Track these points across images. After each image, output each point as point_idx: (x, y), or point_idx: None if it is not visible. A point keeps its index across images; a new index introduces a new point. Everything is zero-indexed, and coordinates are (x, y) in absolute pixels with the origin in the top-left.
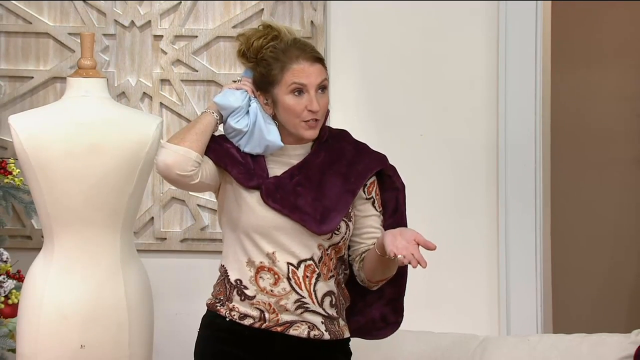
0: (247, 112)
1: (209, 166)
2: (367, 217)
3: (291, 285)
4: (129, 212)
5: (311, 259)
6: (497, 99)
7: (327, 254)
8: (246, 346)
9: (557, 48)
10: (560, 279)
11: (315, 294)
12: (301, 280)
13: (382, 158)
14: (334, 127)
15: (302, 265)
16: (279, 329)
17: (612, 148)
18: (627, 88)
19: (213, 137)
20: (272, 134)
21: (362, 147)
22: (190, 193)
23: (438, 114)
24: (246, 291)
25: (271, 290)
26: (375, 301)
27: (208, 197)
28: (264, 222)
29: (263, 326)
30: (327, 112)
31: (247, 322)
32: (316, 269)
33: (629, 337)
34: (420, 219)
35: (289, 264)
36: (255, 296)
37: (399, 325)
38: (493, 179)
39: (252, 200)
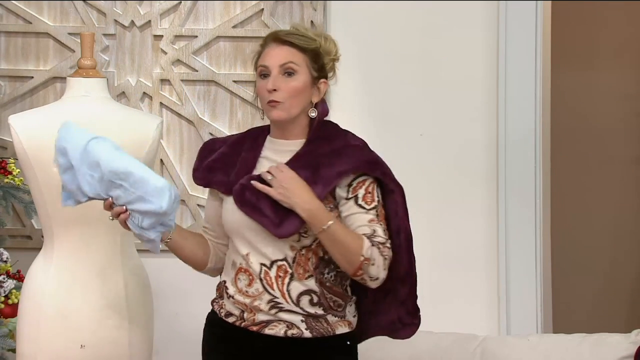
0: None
1: (213, 208)
2: (350, 215)
3: (263, 286)
4: None
5: (284, 259)
6: (497, 98)
7: (302, 254)
8: (234, 343)
9: (557, 48)
10: (560, 279)
11: (288, 293)
12: (273, 280)
13: (355, 163)
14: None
15: (275, 266)
16: (254, 328)
17: (612, 147)
18: (627, 88)
19: (201, 166)
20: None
21: (342, 151)
22: (190, 192)
23: (438, 113)
24: (228, 291)
25: (246, 291)
26: (393, 302)
27: None
28: (236, 224)
29: (242, 325)
30: (320, 107)
31: (231, 319)
32: (289, 270)
33: (629, 337)
34: (420, 219)
35: (262, 264)
36: (234, 296)
37: (416, 327)
38: (493, 178)
39: (230, 202)
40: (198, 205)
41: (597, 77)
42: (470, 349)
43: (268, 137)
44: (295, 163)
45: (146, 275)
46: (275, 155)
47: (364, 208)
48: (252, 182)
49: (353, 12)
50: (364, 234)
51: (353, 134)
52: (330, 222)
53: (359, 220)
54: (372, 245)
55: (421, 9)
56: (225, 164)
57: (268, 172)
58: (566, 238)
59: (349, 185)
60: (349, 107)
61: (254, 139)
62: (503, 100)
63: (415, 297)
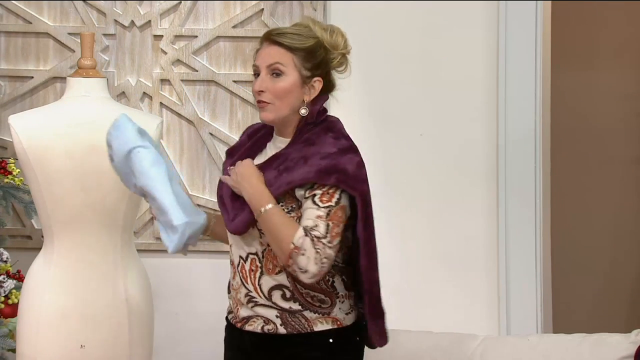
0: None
1: None
2: (304, 211)
3: (240, 279)
4: (129, 212)
5: (255, 253)
6: (497, 98)
7: (270, 249)
8: (234, 341)
9: (557, 48)
10: (560, 279)
11: (260, 287)
12: (247, 274)
13: (306, 174)
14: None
15: (249, 259)
16: (239, 324)
17: (612, 147)
18: (627, 88)
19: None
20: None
21: (308, 159)
22: (191, 192)
23: (438, 113)
24: (229, 286)
25: (232, 284)
26: (366, 306)
27: (208, 197)
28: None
29: (233, 321)
30: (310, 107)
31: (230, 317)
32: (258, 264)
33: (629, 337)
34: (420, 219)
35: (240, 257)
36: (230, 292)
37: (378, 335)
38: (493, 178)
39: None
40: (198, 205)
41: (597, 77)
42: (470, 349)
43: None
44: (270, 163)
45: (146, 275)
46: (272, 151)
47: (317, 205)
48: (221, 177)
49: (353, 12)
50: (304, 226)
51: (336, 138)
52: (269, 206)
53: (308, 214)
54: (306, 235)
55: (421, 9)
56: (236, 152)
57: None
58: (566, 238)
59: (311, 187)
60: (349, 107)
61: (266, 131)
62: (503, 100)
63: (376, 303)
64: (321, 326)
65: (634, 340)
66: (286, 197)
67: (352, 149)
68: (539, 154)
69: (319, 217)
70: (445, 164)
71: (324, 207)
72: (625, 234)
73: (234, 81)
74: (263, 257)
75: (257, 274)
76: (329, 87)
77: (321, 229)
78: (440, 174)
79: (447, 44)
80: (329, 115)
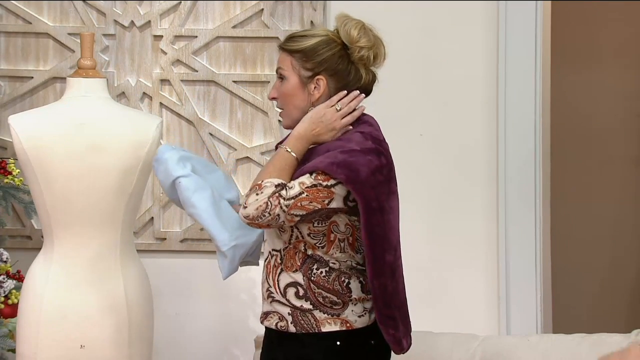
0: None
1: None
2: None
3: (265, 274)
4: (129, 212)
5: (279, 250)
6: (497, 98)
7: (290, 248)
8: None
9: (557, 48)
10: (560, 279)
11: (278, 284)
12: (271, 269)
13: (317, 163)
14: None
15: (273, 256)
16: (261, 319)
17: (612, 147)
18: (627, 88)
19: None
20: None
21: (333, 148)
22: None
23: (438, 113)
24: None
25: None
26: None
27: None
28: None
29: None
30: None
31: None
32: (279, 261)
33: (629, 337)
34: (420, 219)
35: (269, 252)
36: None
37: (390, 341)
38: (493, 178)
39: None
40: None
41: (597, 77)
42: (470, 349)
43: None
44: (304, 158)
45: (146, 275)
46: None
47: (309, 175)
48: None
49: (353, 12)
50: (282, 183)
51: (364, 138)
52: (285, 147)
53: (298, 178)
54: (277, 185)
55: (421, 9)
56: None
57: None
58: (566, 238)
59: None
60: None
61: None
62: (503, 100)
63: (384, 310)
64: (329, 327)
65: (634, 340)
66: None
67: (376, 151)
68: (539, 154)
69: (301, 183)
70: (445, 164)
71: (312, 179)
72: (625, 234)
73: (234, 81)
74: (284, 254)
75: (278, 271)
76: (346, 83)
77: (292, 191)
78: (440, 174)
79: (447, 44)
80: (364, 114)
